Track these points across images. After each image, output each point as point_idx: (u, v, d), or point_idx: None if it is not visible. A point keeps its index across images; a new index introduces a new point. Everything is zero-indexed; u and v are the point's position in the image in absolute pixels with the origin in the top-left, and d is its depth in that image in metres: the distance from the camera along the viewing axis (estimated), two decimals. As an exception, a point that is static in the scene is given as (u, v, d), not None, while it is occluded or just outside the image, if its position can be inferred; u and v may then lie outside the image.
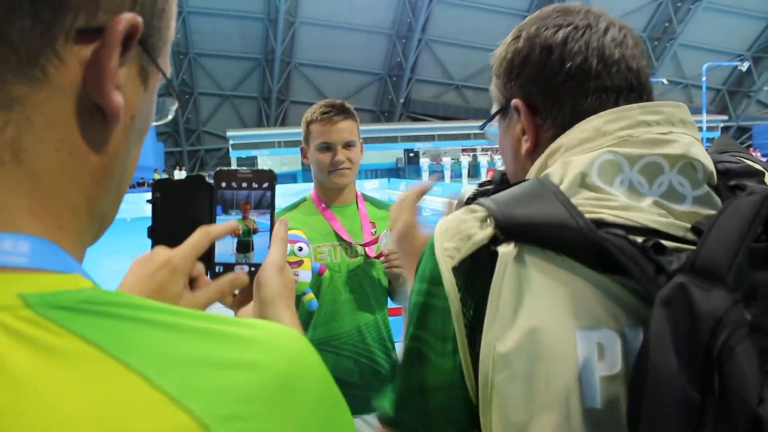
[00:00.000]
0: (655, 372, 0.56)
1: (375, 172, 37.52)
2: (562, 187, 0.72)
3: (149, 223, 0.87)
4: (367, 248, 2.21)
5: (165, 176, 0.92)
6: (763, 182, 0.79)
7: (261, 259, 0.86)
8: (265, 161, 36.82)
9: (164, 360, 0.38)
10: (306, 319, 2.16)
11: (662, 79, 29.58)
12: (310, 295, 2.10)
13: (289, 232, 2.19)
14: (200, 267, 0.83)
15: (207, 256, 0.86)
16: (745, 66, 29.99)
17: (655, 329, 0.56)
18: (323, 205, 2.27)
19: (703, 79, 27.40)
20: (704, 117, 26.64)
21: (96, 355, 0.36)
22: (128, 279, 0.78)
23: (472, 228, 0.74)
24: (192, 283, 0.83)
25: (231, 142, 37.56)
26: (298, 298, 2.09)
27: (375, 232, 2.25)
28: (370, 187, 32.40)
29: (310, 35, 40.86)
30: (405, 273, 1.06)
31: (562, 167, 0.75)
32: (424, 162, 33.83)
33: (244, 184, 0.89)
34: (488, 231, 0.72)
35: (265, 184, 0.89)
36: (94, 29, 0.42)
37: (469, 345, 0.72)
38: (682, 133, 0.76)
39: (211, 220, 0.88)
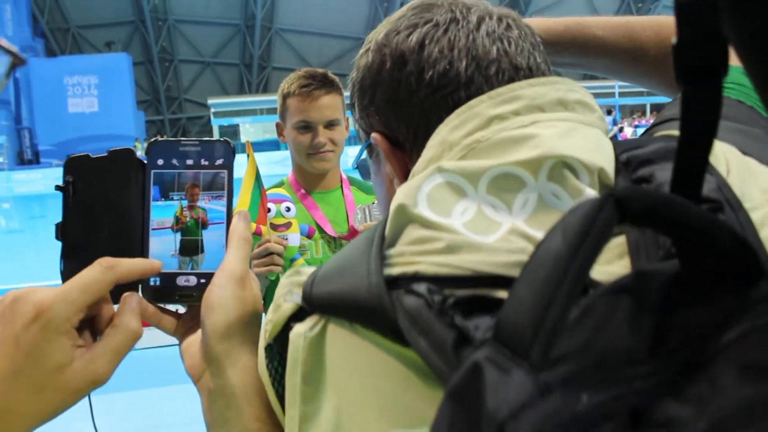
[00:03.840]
0: None
1: (357, 138, 37.10)
2: (388, 231, 0.52)
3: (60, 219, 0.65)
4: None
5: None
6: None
7: (213, 266, 0.64)
8: (248, 129, 36.34)
9: None
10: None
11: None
12: (301, 261, 1.84)
13: (273, 191, 1.92)
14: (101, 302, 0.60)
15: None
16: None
17: None
18: (302, 192, 1.98)
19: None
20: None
21: None
22: None
23: (283, 296, 0.55)
24: (95, 321, 0.59)
25: (212, 110, 36.94)
26: (288, 266, 1.84)
27: None
28: (353, 153, 31.95)
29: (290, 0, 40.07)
30: None
31: (392, 204, 0.54)
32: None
33: (190, 161, 0.66)
34: (293, 302, 0.54)
35: (220, 160, 0.66)
36: None
37: None
38: (557, 119, 0.55)
39: (144, 210, 0.65)
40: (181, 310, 0.69)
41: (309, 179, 1.99)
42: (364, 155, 0.76)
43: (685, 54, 0.34)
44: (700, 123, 0.36)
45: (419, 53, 0.61)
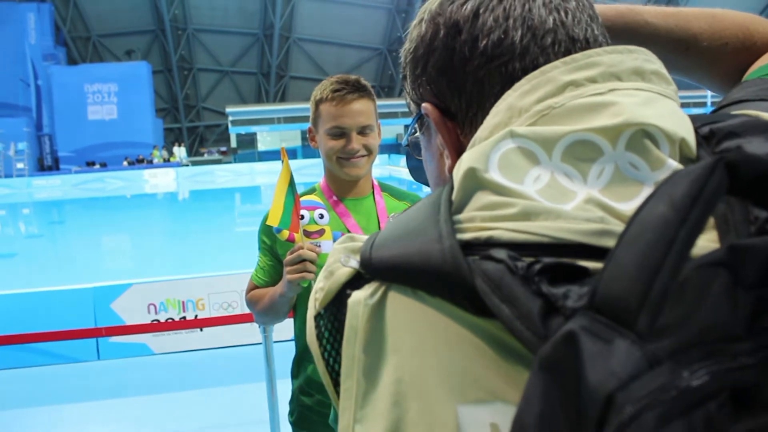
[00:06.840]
0: None
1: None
2: (455, 195, 0.50)
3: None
4: None
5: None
6: None
7: None
8: (265, 137, 36.50)
9: None
10: None
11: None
12: None
13: (306, 198, 1.91)
14: None
15: None
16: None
17: (519, 414, 0.35)
18: (334, 198, 1.95)
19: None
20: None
21: None
22: None
23: (338, 261, 0.53)
24: None
25: (230, 118, 37.14)
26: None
27: None
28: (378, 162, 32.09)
29: (308, 10, 40.31)
30: None
31: (458, 168, 0.52)
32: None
33: None
34: (350, 267, 0.52)
35: None
36: None
37: None
38: (634, 89, 0.53)
39: None
40: None
41: (341, 186, 1.97)
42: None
43: None
44: None
45: (473, 22, 0.59)
